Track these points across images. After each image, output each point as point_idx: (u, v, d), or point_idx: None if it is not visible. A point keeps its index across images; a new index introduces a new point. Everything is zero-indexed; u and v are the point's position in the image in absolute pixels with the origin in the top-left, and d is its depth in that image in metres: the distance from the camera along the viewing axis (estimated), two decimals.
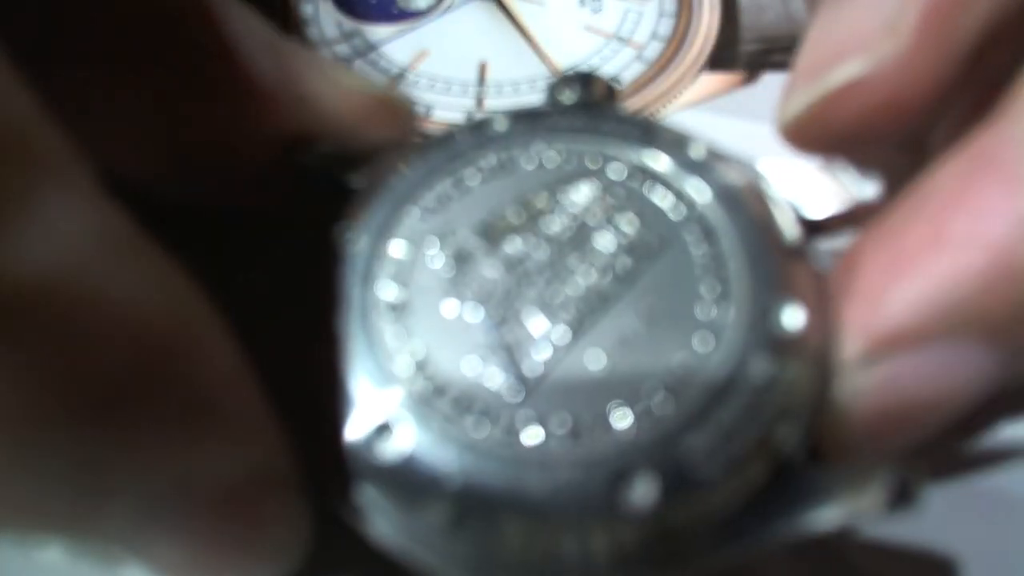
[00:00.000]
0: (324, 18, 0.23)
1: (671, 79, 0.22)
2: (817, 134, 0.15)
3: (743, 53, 0.22)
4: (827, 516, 0.12)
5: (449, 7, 0.23)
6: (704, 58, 0.22)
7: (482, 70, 0.22)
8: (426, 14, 0.23)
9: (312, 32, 0.23)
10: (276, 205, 0.15)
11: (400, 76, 0.22)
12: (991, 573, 0.15)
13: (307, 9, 0.23)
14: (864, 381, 0.13)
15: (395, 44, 0.23)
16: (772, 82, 0.22)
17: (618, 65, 0.22)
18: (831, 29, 0.15)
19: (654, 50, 0.22)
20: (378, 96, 0.16)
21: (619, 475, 0.12)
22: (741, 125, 0.21)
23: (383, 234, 0.13)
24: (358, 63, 0.22)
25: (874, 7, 0.14)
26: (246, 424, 0.11)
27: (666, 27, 0.23)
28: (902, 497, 0.12)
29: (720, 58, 0.22)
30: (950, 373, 0.13)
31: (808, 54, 0.15)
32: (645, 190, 0.14)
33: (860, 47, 0.14)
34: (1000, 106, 0.13)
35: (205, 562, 0.12)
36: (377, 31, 0.23)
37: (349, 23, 0.23)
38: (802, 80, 0.15)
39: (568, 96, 0.15)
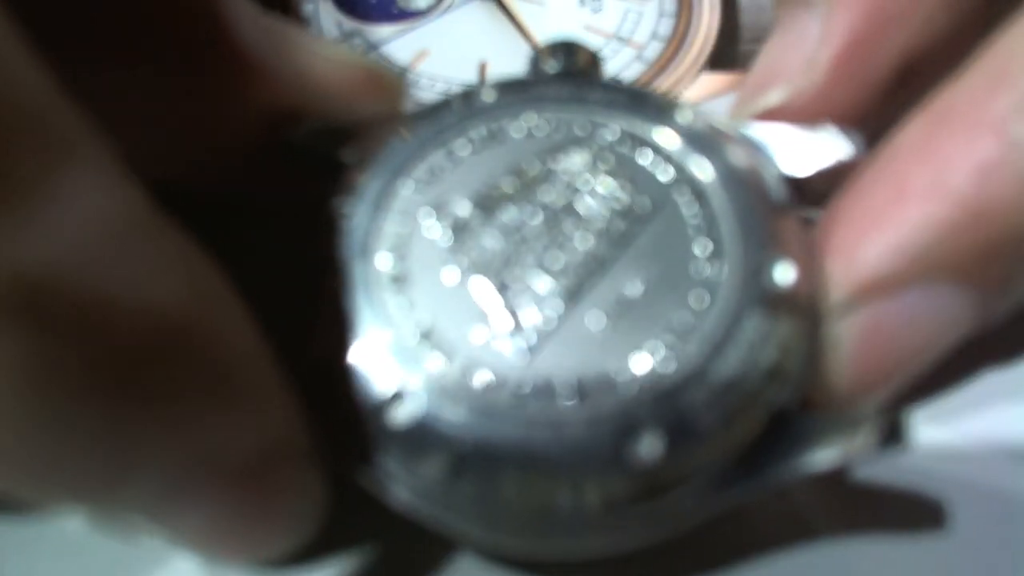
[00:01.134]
0: (324, 18, 0.23)
1: (671, 79, 0.22)
2: None
3: (743, 53, 0.22)
4: (820, 459, 0.12)
5: (449, 7, 0.23)
6: (704, 58, 0.22)
7: (482, 70, 0.22)
8: (426, 14, 0.23)
9: (312, 32, 0.23)
10: (269, 185, 0.16)
11: (400, 76, 0.22)
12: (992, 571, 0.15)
13: (307, 9, 0.23)
14: (847, 328, 0.14)
15: (395, 44, 0.23)
16: None
17: (618, 65, 0.22)
18: (769, 56, 0.17)
19: (654, 50, 0.22)
20: (367, 68, 0.16)
21: (625, 431, 0.12)
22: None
23: (379, 207, 0.14)
24: None
25: (799, 42, 0.16)
26: (264, 398, 0.12)
27: (666, 27, 0.23)
28: (892, 437, 0.12)
29: (720, 58, 0.22)
30: (927, 316, 0.13)
31: (751, 76, 0.17)
32: (635, 155, 0.14)
33: (784, 77, 0.16)
34: (963, 65, 0.14)
35: (226, 531, 0.12)
36: (377, 31, 0.23)
37: (349, 23, 0.23)
38: (743, 99, 0.17)
39: (552, 65, 0.15)
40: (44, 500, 0.12)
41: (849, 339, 0.14)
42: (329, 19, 0.23)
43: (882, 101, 0.16)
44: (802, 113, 0.15)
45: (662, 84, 0.22)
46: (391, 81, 0.17)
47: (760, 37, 0.23)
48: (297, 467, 0.12)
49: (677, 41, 0.23)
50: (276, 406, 0.12)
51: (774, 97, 0.16)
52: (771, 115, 0.16)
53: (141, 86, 0.14)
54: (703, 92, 0.22)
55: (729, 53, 0.22)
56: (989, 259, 0.13)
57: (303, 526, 0.13)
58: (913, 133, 0.14)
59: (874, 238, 0.14)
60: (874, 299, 0.13)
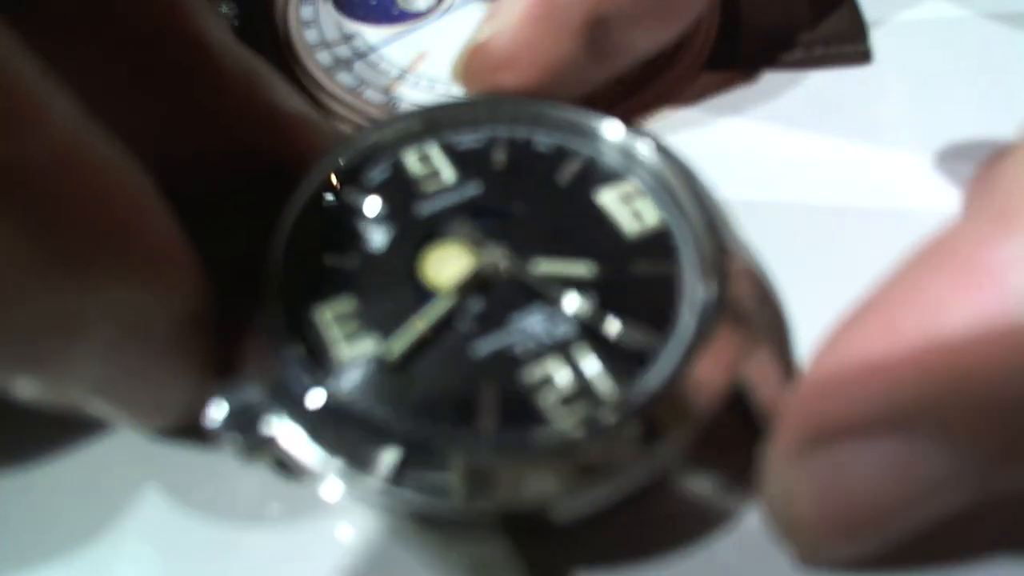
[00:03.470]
0: (324, 20, 0.23)
1: (671, 79, 0.22)
2: (466, 75, 0.19)
3: (743, 53, 0.22)
4: None
5: (449, 8, 0.23)
6: (704, 58, 0.22)
7: None
8: (426, 15, 0.23)
9: (312, 34, 0.23)
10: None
11: (400, 77, 0.22)
12: None
13: (307, 11, 0.23)
14: (802, 470, 0.13)
15: (395, 46, 0.23)
16: (772, 82, 0.22)
17: None
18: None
19: None
20: (310, 119, 0.18)
21: None
22: (741, 125, 0.21)
23: None
24: (358, 64, 0.22)
25: None
26: (183, 275, 0.14)
27: None
28: None
29: (720, 58, 0.22)
30: (903, 465, 0.13)
31: (489, 9, 0.19)
32: None
33: (495, 18, 0.19)
34: (967, 206, 0.14)
35: (153, 398, 0.15)
36: (377, 32, 0.23)
37: (349, 25, 0.23)
38: (478, 27, 0.19)
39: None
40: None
41: (802, 479, 0.13)
42: (329, 21, 0.23)
43: (577, 48, 0.18)
44: (501, 49, 0.18)
45: (662, 84, 0.22)
46: (325, 132, 0.18)
47: (760, 37, 0.23)
48: (205, 338, 0.15)
49: (677, 41, 0.22)
50: (192, 282, 0.14)
51: (483, 31, 0.19)
52: (479, 49, 0.19)
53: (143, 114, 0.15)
54: (703, 92, 0.22)
55: (729, 53, 0.22)
56: (981, 418, 0.12)
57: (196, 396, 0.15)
58: (910, 272, 0.13)
59: (852, 377, 0.13)
60: (839, 440, 0.13)
